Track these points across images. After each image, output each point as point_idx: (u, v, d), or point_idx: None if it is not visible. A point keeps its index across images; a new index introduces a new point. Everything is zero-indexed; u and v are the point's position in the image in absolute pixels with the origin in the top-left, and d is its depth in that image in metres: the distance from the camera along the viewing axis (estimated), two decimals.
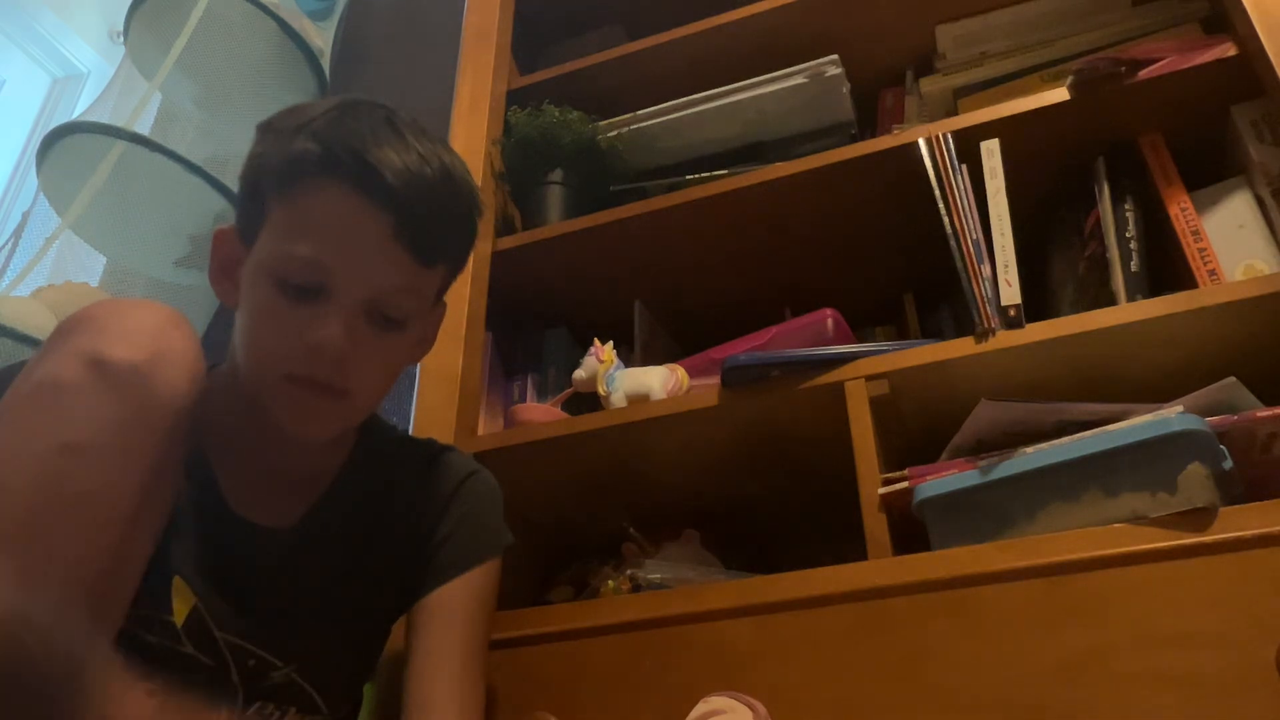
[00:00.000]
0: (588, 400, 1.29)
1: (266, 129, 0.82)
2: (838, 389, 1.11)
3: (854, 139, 1.43)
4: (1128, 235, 1.14)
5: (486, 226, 1.42)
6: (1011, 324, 1.07)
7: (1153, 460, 0.91)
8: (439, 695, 0.84)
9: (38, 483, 0.61)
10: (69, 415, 0.63)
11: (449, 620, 0.88)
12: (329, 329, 0.76)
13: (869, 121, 1.52)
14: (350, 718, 0.94)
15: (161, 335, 0.68)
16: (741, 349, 1.29)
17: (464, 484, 0.96)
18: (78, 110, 2.74)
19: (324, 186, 0.77)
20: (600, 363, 1.28)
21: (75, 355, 0.64)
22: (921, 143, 1.21)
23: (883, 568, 0.97)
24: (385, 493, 0.92)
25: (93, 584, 0.62)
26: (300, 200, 0.77)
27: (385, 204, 0.77)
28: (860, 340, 1.34)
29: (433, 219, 0.81)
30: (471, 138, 1.49)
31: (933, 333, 1.39)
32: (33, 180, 2.13)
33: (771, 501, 1.33)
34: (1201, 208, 1.14)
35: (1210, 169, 1.20)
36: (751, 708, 0.88)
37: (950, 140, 1.19)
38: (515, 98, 1.58)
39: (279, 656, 0.82)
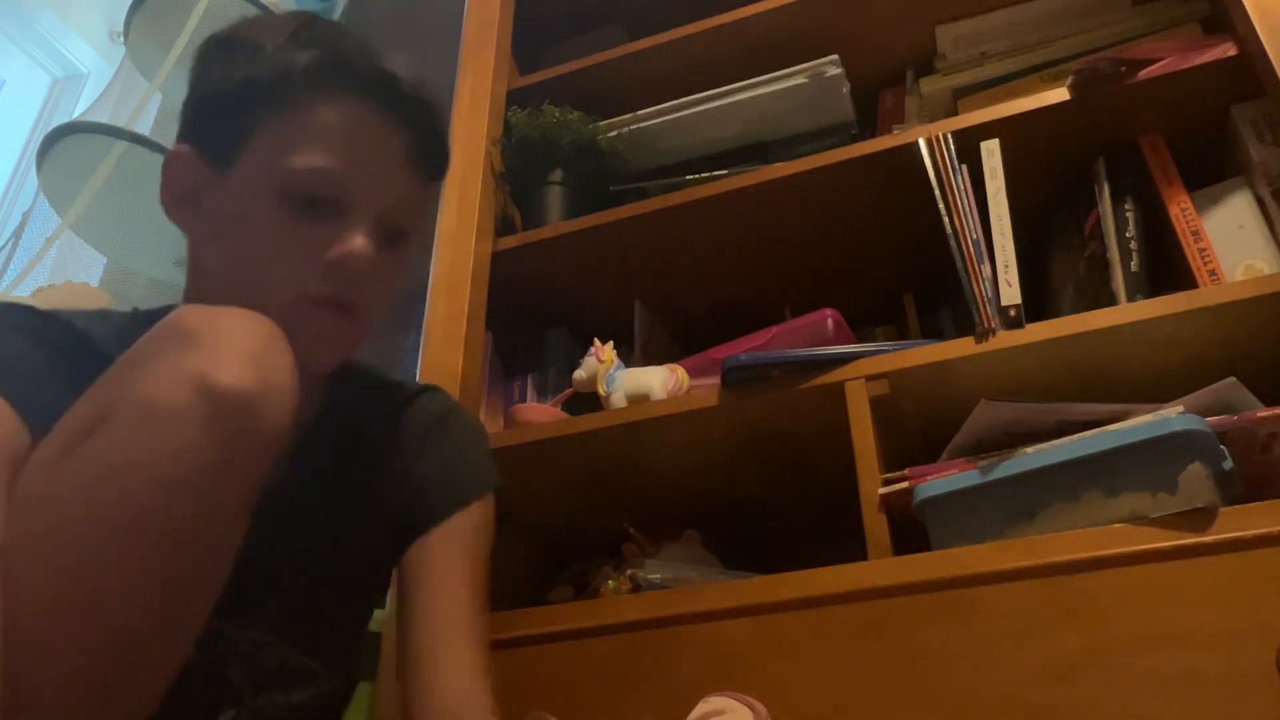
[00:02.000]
0: (588, 400, 1.29)
1: (231, 44, 0.77)
2: (838, 389, 1.11)
3: (854, 139, 1.43)
4: (1128, 235, 1.14)
5: (486, 226, 1.42)
6: (1011, 324, 1.07)
7: (1153, 460, 0.91)
8: (440, 648, 0.78)
9: (137, 518, 0.58)
10: (174, 449, 0.59)
11: (441, 570, 0.82)
12: (355, 242, 0.73)
13: (869, 121, 1.52)
14: (349, 685, 0.90)
15: (268, 358, 0.63)
16: (741, 349, 1.29)
17: (441, 422, 0.90)
18: (78, 110, 2.74)
19: (333, 96, 0.74)
20: (600, 363, 1.28)
21: (183, 378, 0.60)
22: (921, 143, 1.21)
23: (883, 568, 0.97)
24: (364, 436, 0.87)
25: (176, 606, 0.60)
26: (306, 111, 0.74)
27: (400, 116, 0.76)
28: (860, 340, 1.34)
29: (437, 132, 0.80)
30: (471, 138, 1.49)
31: (933, 333, 1.39)
32: (33, 180, 2.13)
33: (771, 501, 1.33)
34: (1201, 208, 1.14)
35: (1210, 169, 1.20)
36: (752, 708, 0.88)
37: (950, 140, 1.19)
38: (515, 98, 1.58)
39: (271, 632, 0.78)
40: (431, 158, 0.79)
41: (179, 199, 0.79)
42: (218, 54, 0.78)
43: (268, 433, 0.62)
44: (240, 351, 0.62)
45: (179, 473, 0.58)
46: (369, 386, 0.91)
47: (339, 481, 0.86)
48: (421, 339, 1.32)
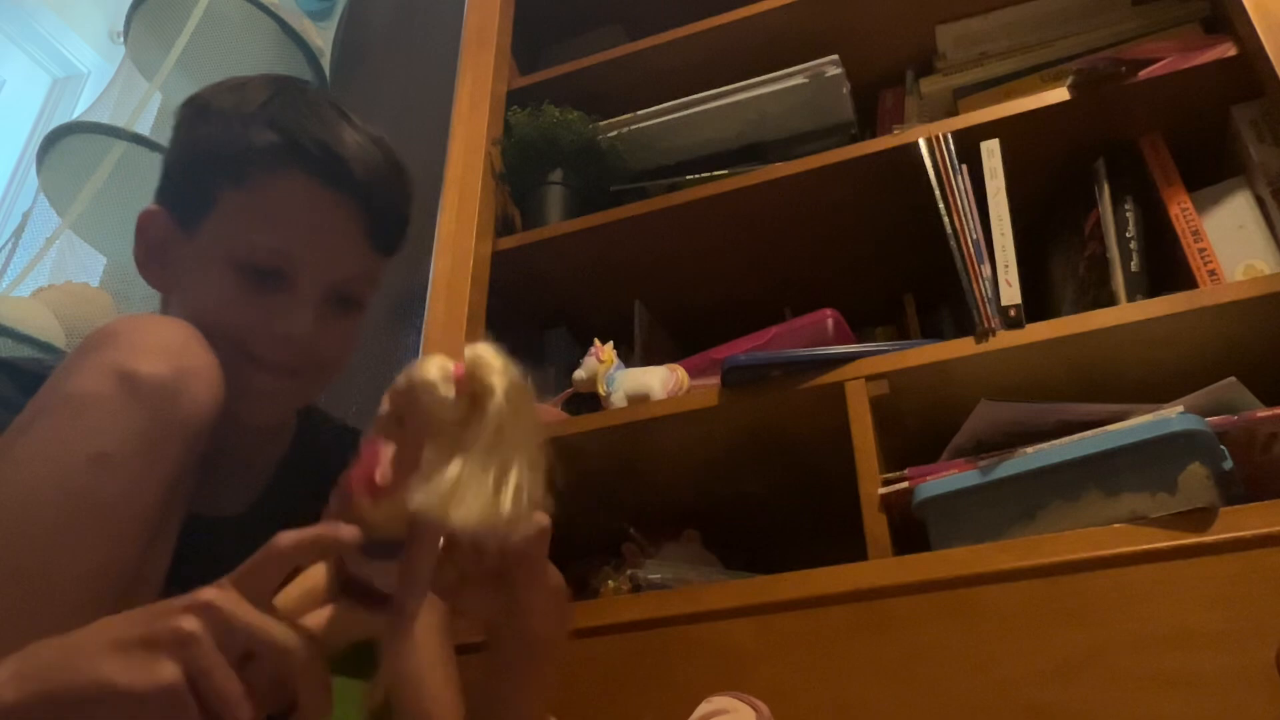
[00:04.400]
0: (588, 400, 1.29)
1: (204, 111, 0.81)
2: (838, 389, 1.11)
3: (854, 139, 1.43)
4: (1128, 235, 1.14)
5: (486, 226, 1.42)
6: (1011, 324, 1.07)
7: (1153, 460, 0.91)
8: (425, 688, 0.83)
9: (67, 492, 0.62)
10: (98, 427, 0.64)
11: None
12: (299, 319, 0.78)
13: (869, 121, 1.52)
14: None
15: (187, 352, 0.69)
16: (741, 349, 1.29)
17: None
18: (78, 110, 2.73)
19: (289, 177, 0.77)
20: (600, 363, 1.28)
21: (104, 369, 0.65)
22: (921, 143, 1.21)
23: (883, 568, 0.97)
24: (330, 484, 0.91)
25: (116, 591, 0.63)
26: (263, 190, 0.78)
27: (352, 196, 0.79)
28: (860, 340, 1.34)
29: (393, 210, 0.83)
30: (471, 138, 1.49)
31: (933, 333, 1.39)
32: (33, 180, 2.13)
33: (771, 501, 1.33)
34: (1201, 208, 1.14)
35: (1210, 169, 1.20)
36: (755, 708, 0.88)
37: (950, 140, 1.19)
38: (515, 98, 1.58)
39: None
40: (385, 235, 0.82)
41: (149, 254, 0.84)
42: (191, 119, 0.82)
43: (187, 414, 0.67)
44: (157, 346, 0.67)
45: (104, 447, 0.63)
46: (331, 433, 0.95)
47: (308, 521, 0.88)
48: (421, 339, 1.32)
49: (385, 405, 0.57)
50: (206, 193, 0.79)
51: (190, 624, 0.50)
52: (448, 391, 0.54)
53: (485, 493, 0.52)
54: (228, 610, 0.51)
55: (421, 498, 0.52)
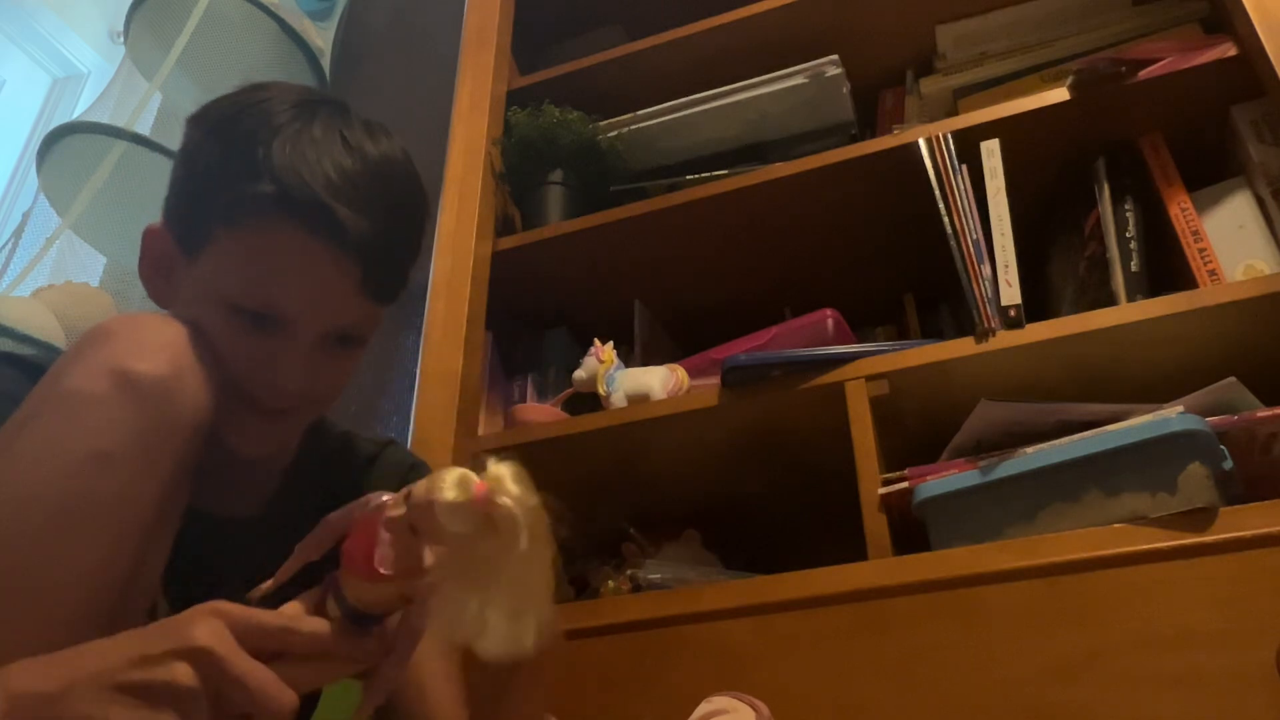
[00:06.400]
0: (588, 400, 1.29)
1: (209, 136, 0.78)
2: (838, 389, 1.11)
3: (854, 139, 1.43)
4: (1128, 235, 1.14)
5: (486, 226, 1.43)
6: (1011, 324, 1.07)
7: (1153, 460, 0.91)
8: (430, 685, 0.84)
9: (65, 490, 0.62)
10: (96, 426, 0.64)
11: None
12: (292, 369, 0.76)
13: (869, 121, 1.52)
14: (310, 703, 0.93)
15: (183, 350, 0.69)
16: (741, 349, 1.29)
17: (408, 480, 0.95)
18: (78, 110, 2.73)
19: (281, 227, 0.74)
20: (600, 363, 1.28)
21: (101, 368, 0.66)
22: (921, 143, 1.21)
23: (883, 568, 0.97)
24: (337, 489, 0.89)
25: (114, 590, 0.63)
26: (255, 237, 0.74)
27: (350, 253, 0.75)
28: (860, 340, 1.34)
29: (395, 261, 0.79)
30: (471, 138, 1.49)
31: (933, 333, 1.39)
32: (33, 180, 2.13)
33: (772, 501, 1.33)
34: (1201, 208, 1.14)
35: (1210, 169, 1.20)
36: (754, 708, 0.88)
37: (950, 140, 1.19)
38: (515, 98, 1.58)
39: None
40: (380, 289, 0.79)
41: (153, 270, 0.83)
42: (196, 140, 0.79)
43: (183, 413, 0.67)
44: (154, 344, 0.68)
45: (102, 446, 0.63)
46: (337, 439, 0.94)
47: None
48: (421, 339, 1.32)
49: (397, 507, 0.56)
50: (204, 225, 0.76)
51: (187, 678, 0.51)
52: (468, 517, 0.54)
53: (507, 628, 0.54)
54: (222, 659, 0.52)
55: (447, 631, 0.53)
